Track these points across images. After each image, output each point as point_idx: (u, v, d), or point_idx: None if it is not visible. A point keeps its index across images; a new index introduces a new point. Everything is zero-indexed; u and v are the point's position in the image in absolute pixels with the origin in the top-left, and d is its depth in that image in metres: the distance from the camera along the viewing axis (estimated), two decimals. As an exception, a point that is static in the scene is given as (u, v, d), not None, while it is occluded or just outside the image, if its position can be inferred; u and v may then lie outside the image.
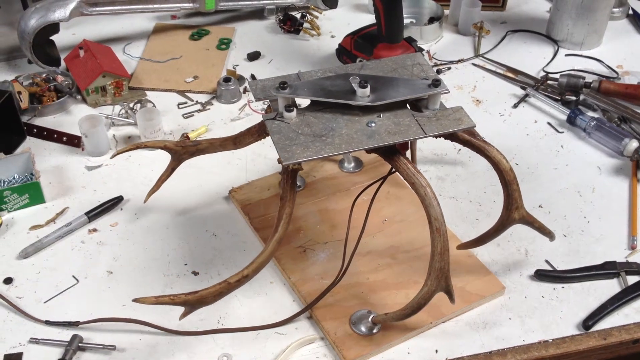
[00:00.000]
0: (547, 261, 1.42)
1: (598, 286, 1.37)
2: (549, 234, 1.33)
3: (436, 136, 1.25)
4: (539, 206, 1.58)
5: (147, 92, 1.82)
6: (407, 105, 1.29)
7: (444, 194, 1.62)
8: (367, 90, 1.23)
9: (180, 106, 1.82)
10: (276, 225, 1.22)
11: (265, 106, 1.49)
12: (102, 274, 1.39)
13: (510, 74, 1.92)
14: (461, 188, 1.61)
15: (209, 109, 1.80)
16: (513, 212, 1.29)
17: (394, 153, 1.24)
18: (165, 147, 1.35)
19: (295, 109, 1.25)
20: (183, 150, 1.36)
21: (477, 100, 1.84)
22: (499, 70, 1.94)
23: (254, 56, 1.95)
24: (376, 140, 1.21)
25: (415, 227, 1.51)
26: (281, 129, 1.22)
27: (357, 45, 1.88)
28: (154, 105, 1.82)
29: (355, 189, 1.60)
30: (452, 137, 1.26)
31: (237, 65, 1.94)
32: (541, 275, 1.39)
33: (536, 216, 1.54)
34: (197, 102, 1.86)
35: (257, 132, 1.32)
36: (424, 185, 1.21)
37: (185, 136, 1.76)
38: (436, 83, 1.24)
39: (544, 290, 1.37)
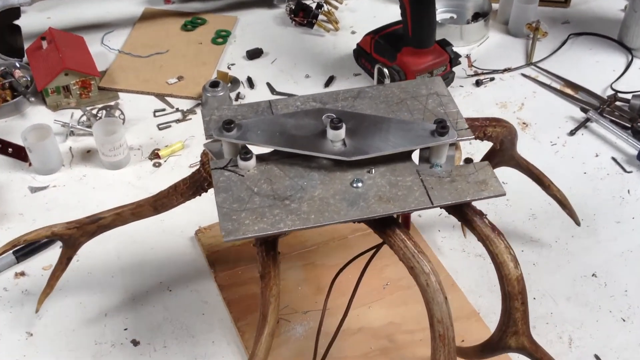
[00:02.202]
0: (596, 356, 1.11)
1: (665, 397, 1.03)
2: None
3: (445, 207, 0.89)
4: (593, 275, 1.22)
5: (121, 95, 1.50)
6: (416, 154, 0.93)
7: (469, 250, 1.27)
8: (342, 132, 0.89)
9: (157, 114, 1.50)
10: (263, 313, 0.91)
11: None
12: (20, 337, 1.15)
13: (568, 90, 1.57)
14: (492, 243, 1.24)
15: (191, 119, 1.48)
16: (508, 337, 0.94)
17: (387, 224, 0.89)
18: (53, 234, 1.05)
19: (254, 157, 0.90)
20: (78, 232, 1.05)
21: (524, 123, 1.48)
22: (554, 85, 1.63)
23: (254, 54, 1.64)
24: (360, 209, 0.86)
25: (426, 297, 1.15)
26: (231, 185, 0.88)
27: (378, 47, 1.53)
28: (122, 113, 1.50)
29: (355, 238, 1.26)
30: (454, 209, 0.91)
31: (232, 65, 1.62)
32: (589, 377, 1.04)
33: (587, 287, 1.20)
34: (177, 110, 1.54)
35: (188, 190, 1.00)
36: (427, 272, 0.87)
37: (155, 154, 1.43)
38: (442, 130, 0.88)
39: (591, 398, 1.04)
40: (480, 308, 1.17)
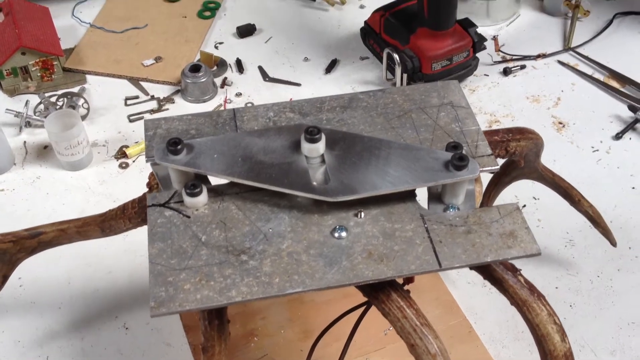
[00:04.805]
0: None
1: None
2: None
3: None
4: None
5: (89, 78, 1.32)
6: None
7: (490, 284, 1.03)
8: (320, 146, 0.68)
9: (129, 102, 1.28)
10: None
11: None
12: (-57, 382, 0.93)
13: (614, 83, 1.41)
14: (519, 275, 1.01)
15: (168, 109, 1.28)
16: None
17: (381, 287, 0.67)
18: None
19: (204, 191, 0.68)
20: (15, 247, 0.87)
21: (560, 123, 1.26)
22: (597, 76, 1.43)
23: (246, 31, 1.44)
24: (342, 271, 0.64)
25: (436, 345, 0.94)
26: (171, 231, 0.66)
27: (389, 27, 1.32)
28: (86, 102, 1.28)
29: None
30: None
31: (220, 44, 1.41)
32: None
33: (638, 338, 0.99)
34: (152, 98, 1.33)
35: (137, 215, 0.80)
36: (432, 354, 0.65)
37: (121, 152, 1.21)
38: (460, 163, 0.66)
39: None
40: (502, 359, 0.95)
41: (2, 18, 1.37)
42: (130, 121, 1.30)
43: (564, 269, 1.07)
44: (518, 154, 0.84)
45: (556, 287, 1.05)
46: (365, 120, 0.77)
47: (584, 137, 1.28)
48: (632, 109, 1.30)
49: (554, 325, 0.70)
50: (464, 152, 0.70)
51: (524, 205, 1.15)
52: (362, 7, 1.56)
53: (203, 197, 0.69)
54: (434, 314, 1.01)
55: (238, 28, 1.47)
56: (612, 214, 1.14)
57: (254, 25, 1.48)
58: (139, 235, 1.11)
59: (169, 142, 0.69)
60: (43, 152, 1.25)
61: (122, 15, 1.50)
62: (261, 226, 0.67)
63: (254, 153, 0.70)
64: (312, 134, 0.68)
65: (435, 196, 0.71)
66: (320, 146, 0.69)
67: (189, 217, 0.68)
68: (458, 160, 0.67)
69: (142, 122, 1.30)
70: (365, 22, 1.43)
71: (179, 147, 0.69)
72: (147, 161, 0.73)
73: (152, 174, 0.77)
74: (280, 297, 1.02)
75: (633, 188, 1.19)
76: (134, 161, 1.23)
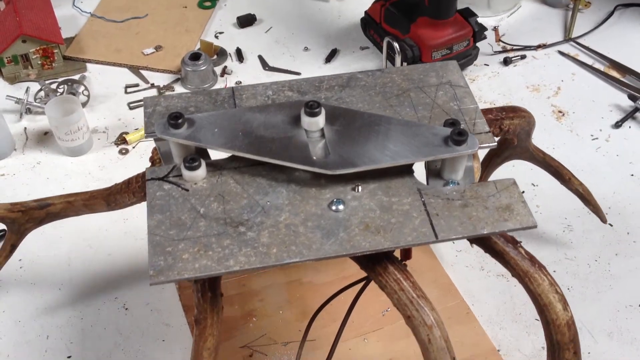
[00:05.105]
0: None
1: None
2: None
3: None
4: (641, 306, 1.00)
5: (89, 66, 1.32)
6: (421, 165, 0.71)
7: (489, 267, 1.07)
8: (320, 120, 0.69)
9: (129, 90, 1.28)
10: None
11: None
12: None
13: (614, 73, 1.40)
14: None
15: None
16: None
17: (376, 259, 0.67)
18: None
19: (203, 165, 0.68)
20: (24, 217, 0.88)
21: (560, 112, 1.26)
22: (597, 66, 1.43)
23: (246, 21, 1.44)
24: (339, 242, 0.64)
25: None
26: (170, 203, 0.67)
27: (389, 17, 1.32)
28: (86, 89, 1.29)
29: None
30: (476, 238, 0.70)
31: (221, 33, 1.41)
32: None
33: (634, 320, 1.00)
34: (152, 86, 1.33)
35: (141, 189, 0.80)
36: (429, 325, 0.66)
37: (122, 138, 1.22)
38: (459, 138, 0.66)
39: None
40: (500, 343, 0.98)
41: (3, 6, 1.37)
42: (130, 109, 1.31)
43: (562, 253, 1.07)
44: (512, 132, 0.84)
45: (554, 271, 1.05)
46: (363, 98, 0.78)
47: (584, 126, 1.28)
48: (632, 98, 1.30)
49: (555, 295, 0.70)
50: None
51: (523, 192, 1.15)
52: (362, -3, 1.57)
53: (202, 171, 0.69)
54: (432, 296, 1.00)
55: (238, 18, 1.48)
56: (611, 200, 1.14)
57: (254, 15, 1.49)
58: (139, 219, 1.12)
59: (170, 116, 0.69)
60: (43, 138, 1.25)
61: (123, 5, 1.50)
62: (259, 199, 0.68)
63: (254, 128, 0.70)
64: (312, 108, 0.69)
65: (434, 172, 0.71)
66: (320, 120, 0.69)
67: (187, 190, 0.69)
68: (457, 135, 0.67)
69: (142, 109, 1.30)
70: (365, 12, 1.43)
71: (180, 121, 0.69)
72: (146, 137, 0.74)
73: (155, 149, 0.77)
74: (279, 279, 1.04)
75: (632, 175, 1.19)
76: (133, 147, 1.24)
